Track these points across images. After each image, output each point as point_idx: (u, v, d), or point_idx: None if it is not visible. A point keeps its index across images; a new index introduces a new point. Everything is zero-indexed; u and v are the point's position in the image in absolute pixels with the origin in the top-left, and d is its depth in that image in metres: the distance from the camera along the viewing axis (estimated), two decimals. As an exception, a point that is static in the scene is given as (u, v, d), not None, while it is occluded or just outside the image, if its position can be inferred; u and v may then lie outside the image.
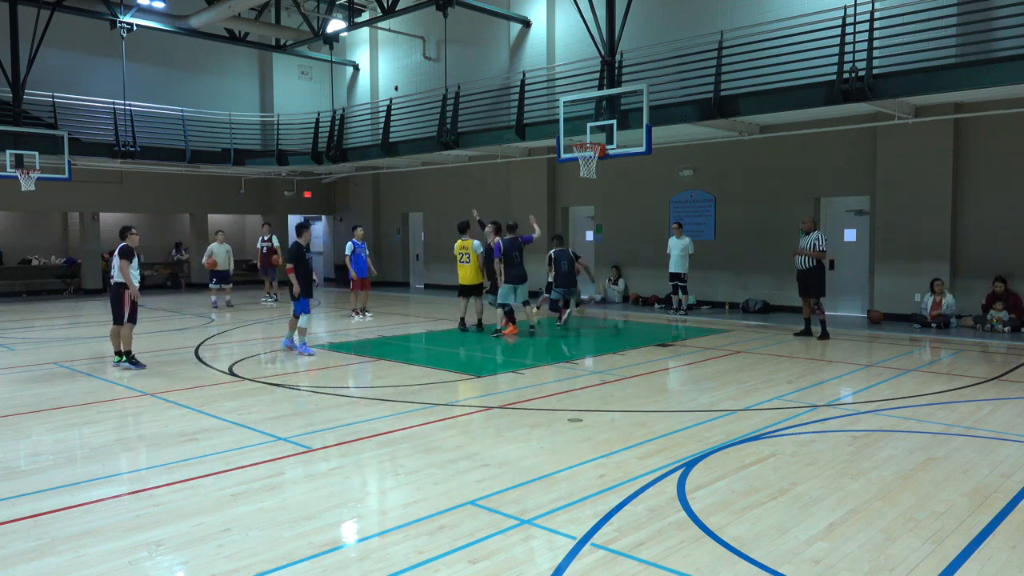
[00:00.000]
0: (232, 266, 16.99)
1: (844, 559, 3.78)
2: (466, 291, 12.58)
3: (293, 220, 26.56)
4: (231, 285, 17.05)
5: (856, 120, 13.11)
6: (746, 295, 15.33)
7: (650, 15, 15.84)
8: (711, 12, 15.07)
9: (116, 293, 9.19)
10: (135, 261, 9.25)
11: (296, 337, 10.45)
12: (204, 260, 16.62)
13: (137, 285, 9.25)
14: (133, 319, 9.30)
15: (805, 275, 11.44)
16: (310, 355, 10.19)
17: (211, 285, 16.86)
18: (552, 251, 12.93)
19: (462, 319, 12.67)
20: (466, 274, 12.45)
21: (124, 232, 9.42)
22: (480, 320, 12.69)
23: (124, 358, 9.31)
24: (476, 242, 12.39)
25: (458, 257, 12.50)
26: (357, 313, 14.49)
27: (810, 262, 11.34)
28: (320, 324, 14.70)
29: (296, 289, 10.08)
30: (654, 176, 16.64)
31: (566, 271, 12.72)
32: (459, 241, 12.51)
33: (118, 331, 9.32)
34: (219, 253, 16.55)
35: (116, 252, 9.16)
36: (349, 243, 14.76)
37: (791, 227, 13.84)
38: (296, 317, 10.33)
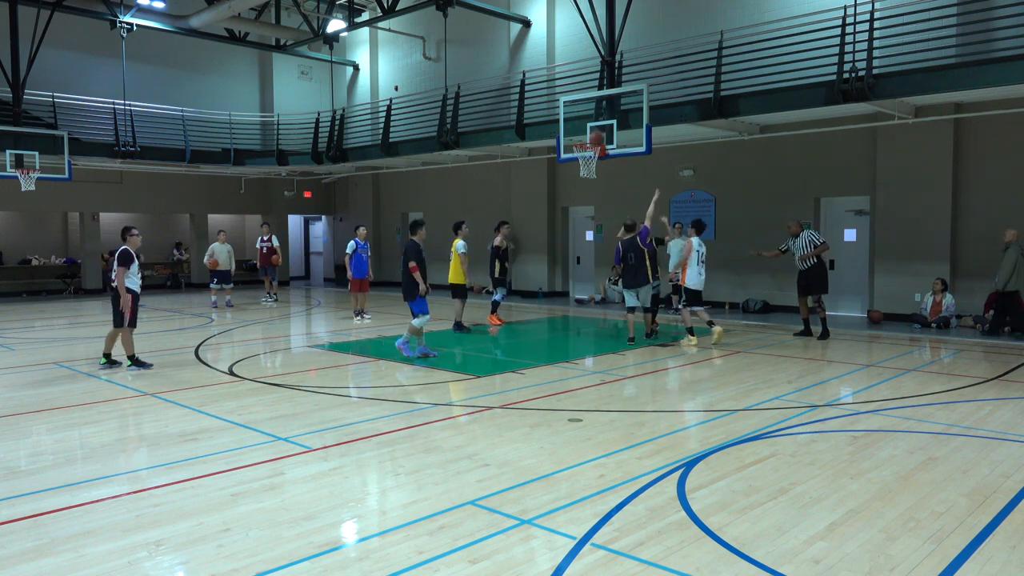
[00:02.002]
0: (233, 266, 16.94)
1: (844, 559, 3.78)
2: (452, 290, 12.56)
3: (293, 220, 26.64)
4: (232, 285, 17.01)
5: (856, 120, 13.11)
6: (746, 295, 15.33)
7: (650, 15, 15.84)
8: (711, 12, 15.07)
9: (117, 296, 9.04)
10: (135, 265, 9.09)
11: (408, 337, 10.02)
12: (206, 260, 16.60)
13: (138, 289, 9.18)
14: (133, 323, 9.14)
15: (808, 274, 11.43)
16: (433, 356, 9.86)
17: (212, 285, 16.83)
18: (620, 240, 11.35)
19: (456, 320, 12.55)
20: (449, 273, 12.50)
21: (124, 233, 9.27)
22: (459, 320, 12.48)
23: (130, 362, 9.19)
24: (460, 242, 12.26)
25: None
26: (356, 315, 14.39)
27: (810, 261, 11.35)
28: (320, 324, 14.70)
29: (423, 288, 9.68)
30: (654, 176, 16.63)
31: (634, 266, 11.09)
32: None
33: (116, 334, 9.25)
34: (220, 253, 16.52)
35: (115, 256, 9.02)
36: (351, 241, 14.55)
37: (787, 226, 13.80)
38: (416, 316, 9.85)
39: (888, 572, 3.64)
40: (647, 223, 11.26)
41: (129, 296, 8.97)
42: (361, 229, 14.56)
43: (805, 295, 11.59)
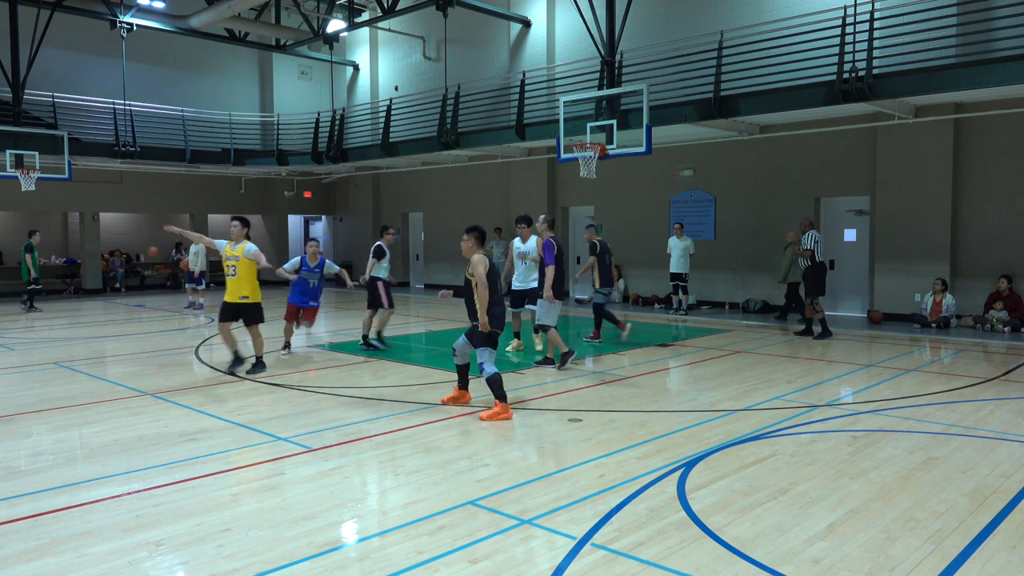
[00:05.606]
0: (199, 267, 16.26)
1: (844, 559, 3.78)
2: (246, 315, 9.08)
3: (293, 220, 26.66)
4: (203, 287, 16.50)
5: (856, 120, 13.11)
6: (746, 295, 15.32)
7: (650, 15, 15.84)
8: (711, 12, 15.08)
9: (372, 284, 10.50)
10: (386, 258, 10.58)
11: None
12: (181, 262, 16.43)
13: (388, 277, 10.63)
14: (391, 303, 10.62)
15: (804, 273, 11.57)
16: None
17: (186, 285, 16.68)
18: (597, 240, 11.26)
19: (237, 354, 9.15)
20: (232, 289, 8.98)
21: (383, 232, 10.83)
22: (237, 352, 9.14)
23: (376, 337, 10.59)
24: (249, 245, 8.80)
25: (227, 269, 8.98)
26: (283, 347, 10.65)
27: (806, 260, 11.47)
28: (320, 324, 14.68)
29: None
30: (654, 176, 16.64)
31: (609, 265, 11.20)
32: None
33: (371, 316, 10.62)
34: (190, 255, 16.38)
35: (372, 251, 10.53)
36: (296, 258, 10.52)
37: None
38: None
39: (888, 572, 3.64)
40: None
41: (380, 282, 10.41)
42: (312, 244, 10.53)
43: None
